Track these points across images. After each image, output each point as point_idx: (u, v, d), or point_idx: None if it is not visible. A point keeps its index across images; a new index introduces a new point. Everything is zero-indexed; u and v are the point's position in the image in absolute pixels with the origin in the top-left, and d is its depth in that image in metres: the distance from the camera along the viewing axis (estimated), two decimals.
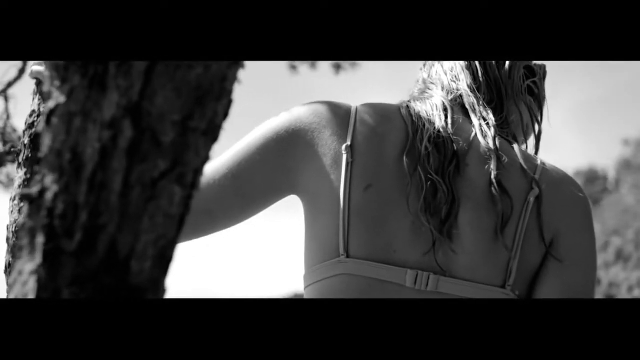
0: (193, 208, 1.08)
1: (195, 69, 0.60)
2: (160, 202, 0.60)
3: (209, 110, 0.61)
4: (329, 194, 1.09)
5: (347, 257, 1.06)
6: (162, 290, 0.62)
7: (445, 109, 1.16)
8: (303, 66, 5.42)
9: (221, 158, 1.14)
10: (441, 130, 1.11)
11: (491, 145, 1.11)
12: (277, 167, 1.11)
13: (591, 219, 1.16)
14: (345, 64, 5.53)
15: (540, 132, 1.27)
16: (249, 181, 1.12)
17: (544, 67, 1.32)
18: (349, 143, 1.09)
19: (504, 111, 1.21)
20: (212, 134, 0.63)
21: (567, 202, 1.14)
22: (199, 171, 0.63)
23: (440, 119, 1.13)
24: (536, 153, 1.25)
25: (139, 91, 0.59)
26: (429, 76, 1.26)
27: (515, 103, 1.23)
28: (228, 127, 0.66)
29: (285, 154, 1.11)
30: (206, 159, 0.63)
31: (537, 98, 1.28)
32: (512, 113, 1.23)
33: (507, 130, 1.20)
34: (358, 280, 1.06)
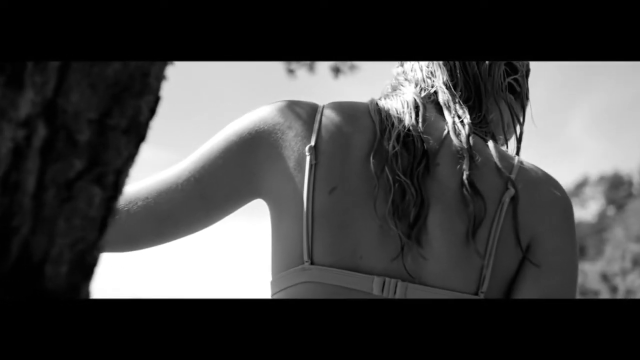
0: (155, 212, 1.08)
1: (113, 64, 0.58)
2: (77, 204, 0.58)
3: (130, 108, 0.59)
4: (292, 197, 1.05)
5: (311, 263, 1.03)
6: (84, 295, 0.60)
7: (416, 106, 1.11)
8: (301, 70, 5.41)
9: (185, 161, 1.11)
10: (411, 128, 1.07)
11: (464, 143, 1.06)
12: (240, 170, 1.08)
13: (572, 220, 1.10)
14: (344, 67, 5.51)
15: (522, 132, 1.22)
16: (212, 185, 1.08)
17: (526, 64, 1.27)
18: (312, 144, 1.05)
19: (483, 109, 1.16)
20: (135, 133, 0.60)
21: (545, 203, 1.08)
22: (122, 171, 0.60)
23: (411, 117, 1.08)
24: (517, 154, 1.20)
25: (53, 88, 0.57)
26: (403, 72, 1.21)
27: (495, 101, 1.18)
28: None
29: (247, 156, 1.08)
30: (130, 158, 0.61)
31: (519, 96, 1.23)
32: (492, 111, 1.18)
33: (486, 129, 1.15)
34: (323, 288, 1.01)
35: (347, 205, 1.03)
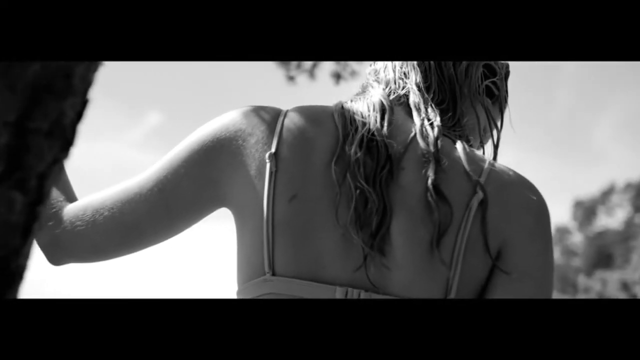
0: (121, 223, 1.05)
1: (33, 65, 0.56)
2: None
3: (52, 110, 0.57)
4: (253, 206, 1.02)
5: (273, 274, 1.00)
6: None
7: (382, 109, 1.07)
8: (301, 76, 5.36)
9: (150, 169, 1.08)
10: (375, 132, 1.03)
11: (430, 146, 1.02)
12: (202, 179, 1.05)
13: (546, 224, 1.04)
14: (345, 73, 5.44)
15: (499, 137, 1.18)
16: (175, 195, 1.06)
17: (506, 66, 1.23)
18: (272, 150, 1.02)
19: (457, 112, 1.12)
20: (59, 136, 0.58)
21: (516, 206, 1.03)
22: (45, 176, 0.58)
23: (376, 120, 1.04)
24: (494, 159, 1.15)
25: None
26: (375, 72, 1.17)
27: (472, 104, 1.14)
28: None
29: (209, 164, 1.05)
30: (55, 162, 0.59)
31: (498, 100, 1.19)
32: (467, 115, 1.13)
33: (460, 133, 1.10)
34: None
35: (308, 213, 1.00)
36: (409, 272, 0.98)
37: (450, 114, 1.11)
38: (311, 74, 5.34)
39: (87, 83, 0.60)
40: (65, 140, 0.59)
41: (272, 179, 1.01)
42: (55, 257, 1.10)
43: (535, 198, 1.04)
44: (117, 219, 1.06)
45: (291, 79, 5.36)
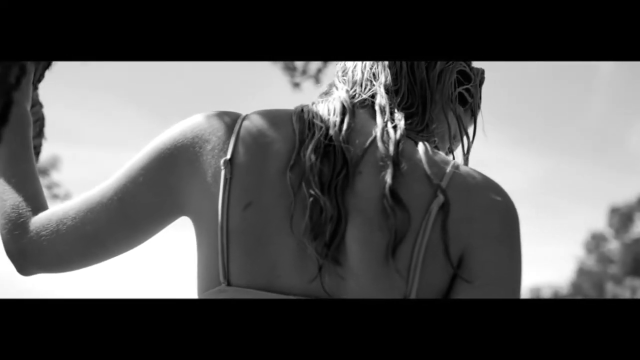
0: (82, 232, 1.03)
1: None
2: None
3: None
4: (209, 214, 1.00)
5: (228, 284, 0.97)
6: None
7: (343, 112, 1.03)
8: (306, 83, 5.35)
9: (112, 177, 1.06)
10: (333, 137, 0.99)
11: (390, 150, 0.97)
12: (160, 187, 1.03)
13: (513, 228, 0.98)
14: None
15: (469, 146, 1.13)
16: (134, 203, 1.03)
17: (481, 72, 1.19)
18: (227, 157, 0.99)
19: (426, 117, 1.08)
20: None
21: (480, 210, 0.97)
22: None
23: (335, 124, 1.01)
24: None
25: None
26: (344, 71, 1.13)
27: (443, 111, 1.10)
28: None
29: (167, 172, 1.03)
30: None
31: (471, 107, 1.15)
32: (437, 121, 1.09)
33: (428, 138, 1.06)
34: None
35: (263, 221, 0.97)
36: (364, 281, 0.94)
37: (419, 118, 1.07)
38: (316, 79, 5.32)
39: (11, 85, 0.60)
40: None
41: (227, 186, 0.99)
42: (23, 267, 1.09)
43: (500, 201, 0.98)
44: (79, 229, 1.05)
45: (296, 85, 5.36)
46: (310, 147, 0.98)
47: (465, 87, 1.14)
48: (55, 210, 1.08)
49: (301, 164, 0.97)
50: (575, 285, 30.06)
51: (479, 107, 1.17)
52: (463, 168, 1.01)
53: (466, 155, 1.13)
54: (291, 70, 4.78)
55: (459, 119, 1.12)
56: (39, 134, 2.33)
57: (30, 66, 1.28)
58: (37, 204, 1.10)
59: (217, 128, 1.03)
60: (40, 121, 2.13)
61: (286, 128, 1.02)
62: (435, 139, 1.09)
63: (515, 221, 0.99)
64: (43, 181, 5.94)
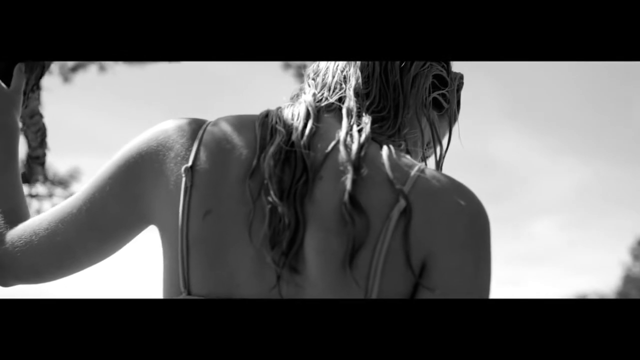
0: (54, 243, 1.03)
1: None
2: None
3: None
4: (170, 223, 0.98)
5: (188, 294, 0.96)
6: None
7: (307, 116, 1.01)
8: None
9: (83, 187, 1.06)
10: (295, 142, 0.97)
11: (352, 154, 0.94)
12: (126, 196, 1.02)
13: (481, 234, 0.94)
14: None
15: (442, 152, 1.10)
16: (102, 213, 1.03)
17: (459, 76, 1.15)
18: (189, 164, 0.98)
19: (398, 122, 1.04)
20: None
21: (444, 215, 0.93)
22: None
23: (297, 129, 0.98)
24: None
25: None
26: (315, 74, 1.10)
27: (417, 116, 1.07)
28: None
29: (132, 182, 1.02)
30: None
31: (447, 113, 1.12)
32: (408, 126, 1.06)
33: (399, 144, 1.03)
34: None
35: (223, 230, 0.95)
36: (321, 290, 0.92)
37: (390, 122, 1.04)
38: None
39: None
40: None
41: (187, 193, 0.97)
42: (1, 278, 1.09)
43: (467, 205, 0.94)
44: (51, 240, 1.05)
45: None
46: (270, 153, 0.96)
47: (440, 92, 1.11)
48: (30, 222, 1.08)
49: (261, 171, 0.96)
50: (622, 293, 29.49)
51: (455, 115, 1.14)
52: (429, 172, 0.97)
53: (439, 162, 1.10)
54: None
55: (432, 125, 1.09)
56: (41, 144, 2.40)
57: (20, 74, 1.30)
58: (16, 217, 1.11)
59: (182, 135, 1.01)
60: (41, 131, 2.19)
61: (250, 134, 1.00)
62: (403, 143, 1.05)
63: (484, 226, 0.95)
64: (64, 193, 6.05)
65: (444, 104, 1.12)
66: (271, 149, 0.96)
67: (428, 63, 1.10)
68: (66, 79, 6.61)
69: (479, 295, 0.92)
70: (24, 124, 1.89)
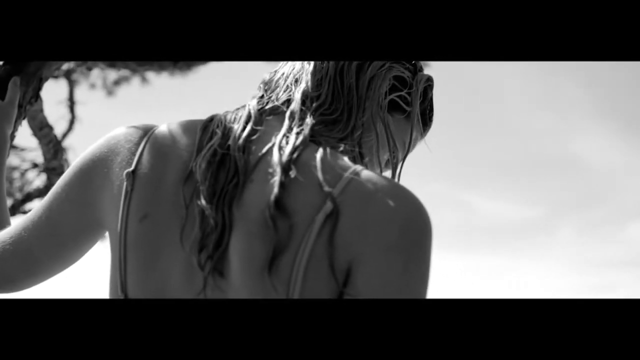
0: (18, 251, 1.06)
1: None
2: None
3: None
4: (113, 227, 1.00)
5: (125, 297, 0.97)
6: None
7: (247, 120, 1.00)
8: None
9: (46, 196, 1.08)
10: (231, 145, 0.97)
11: (284, 157, 0.93)
12: (80, 202, 1.04)
13: (417, 237, 0.89)
14: None
15: (396, 160, 1.06)
16: (60, 220, 1.05)
17: (426, 78, 1.11)
18: (131, 169, 0.99)
19: (350, 126, 1.01)
20: None
21: (376, 218, 0.89)
22: None
23: (234, 133, 0.98)
24: (395, 179, 1.06)
25: None
26: (268, 80, 1.09)
27: (372, 119, 1.04)
28: None
29: (84, 187, 1.04)
30: None
31: (408, 116, 1.08)
32: (360, 129, 1.03)
33: (351, 147, 1.00)
34: None
35: (157, 234, 0.96)
36: (241, 294, 0.91)
37: (342, 125, 1.01)
38: None
39: None
40: None
41: (127, 198, 0.98)
42: None
43: (402, 208, 0.90)
44: (16, 249, 1.08)
45: None
46: (202, 156, 0.96)
47: (397, 94, 1.07)
48: (1, 232, 1.11)
49: (195, 175, 0.96)
50: None
51: (417, 117, 1.09)
52: (365, 174, 0.93)
53: (394, 167, 1.06)
54: None
55: (386, 128, 1.05)
56: (55, 155, 2.48)
57: (15, 88, 1.34)
58: None
59: (129, 140, 1.03)
60: (53, 143, 2.28)
61: (188, 139, 1.00)
62: (356, 146, 1.02)
63: (421, 230, 0.90)
64: None
65: (404, 106, 1.08)
66: (205, 153, 0.96)
67: (387, 64, 1.07)
68: (110, 92, 6.77)
69: (406, 296, 0.88)
70: (35, 137, 1.96)
